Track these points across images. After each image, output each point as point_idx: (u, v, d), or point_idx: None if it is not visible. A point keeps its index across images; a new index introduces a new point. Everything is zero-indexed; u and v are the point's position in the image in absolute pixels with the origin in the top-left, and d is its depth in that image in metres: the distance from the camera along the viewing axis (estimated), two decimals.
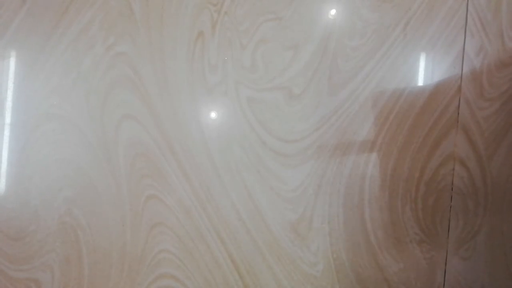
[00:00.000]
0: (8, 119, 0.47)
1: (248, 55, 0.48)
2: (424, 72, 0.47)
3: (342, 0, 0.48)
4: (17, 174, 0.47)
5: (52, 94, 0.48)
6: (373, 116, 0.47)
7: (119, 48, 0.48)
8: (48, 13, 0.47)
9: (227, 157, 0.48)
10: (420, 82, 0.47)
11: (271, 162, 0.48)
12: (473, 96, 0.47)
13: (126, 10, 0.48)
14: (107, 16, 0.48)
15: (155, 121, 0.48)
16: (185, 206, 0.48)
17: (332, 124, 0.48)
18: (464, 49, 0.47)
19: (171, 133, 0.48)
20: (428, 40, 0.47)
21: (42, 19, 0.47)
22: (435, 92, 0.47)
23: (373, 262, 0.48)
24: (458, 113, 0.47)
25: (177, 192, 0.48)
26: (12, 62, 0.47)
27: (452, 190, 0.48)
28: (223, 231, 0.48)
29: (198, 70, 0.48)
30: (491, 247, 0.48)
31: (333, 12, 0.48)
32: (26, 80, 0.48)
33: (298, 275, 0.48)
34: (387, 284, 0.48)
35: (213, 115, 0.48)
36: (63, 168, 0.48)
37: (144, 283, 0.48)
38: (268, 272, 0.49)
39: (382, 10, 0.47)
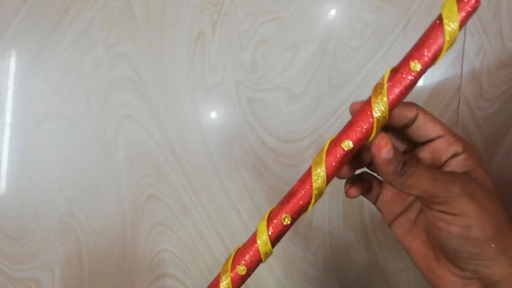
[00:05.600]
0: (8, 119, 0.47)
1: (248, 56, 0.48)
2: None
3: (341, 0, 0.48)
4: (17, 174, 0.48)
5: (53, 94, 0.48)
6: None
7: (119, 49, 0.48)
8: (49, 13, 0.48)
9: (227, 157, 0.48)
10: (420, 82, 0.47)
11: (271, 162, 0.48)
12: (473, 96, 0.47)
13: (127, 10, 0.48)
14: (107, 17, 0.48)
15: (155, 121, 0.48)
16: (185, 206, 0.48)
17: (332, 124, 0.48)
18: (463, 49, 0.47)
19: (171, 133, 0.48)
20: None
21: (42, 19, 0.48)
22: (435, 92, 0.47)
23: (373, 262, 0.48)
24: (458, 113, 0.48)
25: (177, 192, 0.48)
26: (12, 62, 0.48)
27: None
28: (223, 231, 0.49)
29: (198, 70, 0.48)
30: None
31: (333, 12, 0.48)
32: (26, 80, 0.48)
33: (298, 275, 0.49)
34: (387, 284, 0.48)
35: (213, 115, 0.48)
36: (64, 168, 0.48)
37: (144, 283, 0.48)
38: (268, 272, 0.49)
39: (382, 10, 0.47)
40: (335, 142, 0.24)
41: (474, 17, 0.47)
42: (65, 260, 0.48)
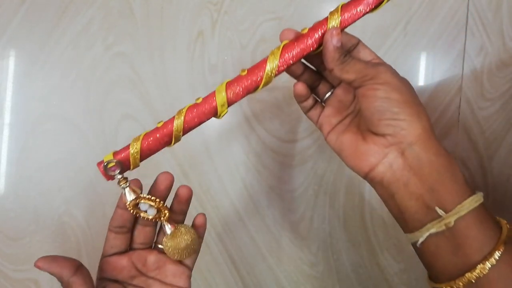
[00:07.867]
0: (7, 119, 0.47)
1: (248, 55, 0.48)
2: (424, 71, 0.47)
3: (342, 0, 0.47)
4: (16, 174, 0.47)
5: (52, 94, 0.47)
6: None
7: (118, 48, 0.48)
8: (48, 13, 0.47)
9: (227, 157, 0.48)
10: (421, 82, 0.47)
11: (271, 162, 0.48)
12: (474, 96, 0.47)
13: (126, 10, 0.48)
14: (107, 16, 0.48)
15: (155, 121, 0.48)
16: None
17: None
18: (464, 48, 0.47)
19: None
20: (428, 40, 0.47)
21: (41, 19, 0.47)
22: (436, 91, 0.47)
23: (373, 263, 0.48)
24: (459, 113, 0.47)
25: None
26: (11, 62, 0.47)
27: None
28: (223, 231, 0.48)
29: (198, 69, 0.48)
30: None
31: None
32: (25, 80, 0.47)
33: (298, 276, 0.48)
34: (388, 285, 0.48)
35: None
36: (63, 168, 0.48)
37: None
38: (268, 273, 0.48)
39: (383, 9, 0.47)
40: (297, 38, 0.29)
41: (475, 16, 0.47)
42: None
